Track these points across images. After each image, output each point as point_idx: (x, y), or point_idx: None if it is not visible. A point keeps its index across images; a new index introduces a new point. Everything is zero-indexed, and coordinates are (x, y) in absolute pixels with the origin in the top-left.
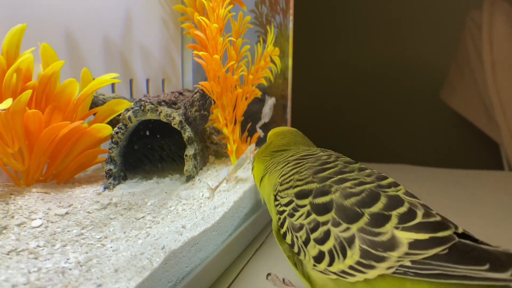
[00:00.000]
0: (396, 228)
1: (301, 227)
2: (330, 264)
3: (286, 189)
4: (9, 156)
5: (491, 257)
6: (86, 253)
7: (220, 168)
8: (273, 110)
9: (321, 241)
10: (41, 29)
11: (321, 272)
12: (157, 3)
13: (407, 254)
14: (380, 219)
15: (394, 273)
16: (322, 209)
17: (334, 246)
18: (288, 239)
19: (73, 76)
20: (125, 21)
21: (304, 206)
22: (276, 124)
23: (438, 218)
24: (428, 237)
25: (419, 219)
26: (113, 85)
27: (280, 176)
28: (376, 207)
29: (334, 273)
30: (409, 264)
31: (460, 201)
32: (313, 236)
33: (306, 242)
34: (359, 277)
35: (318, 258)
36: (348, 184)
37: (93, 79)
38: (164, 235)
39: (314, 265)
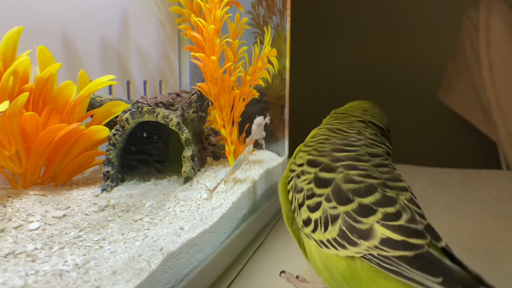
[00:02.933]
0: (378, 222)
1: (301, 190)
2: (313, 231)
3: (305, 151)
4: (6, 159)
5: (447, 273)
6: (84, 255)
7: (218, 169)
8: (263, 127)
9: (312, 209)
10: (37, 32)
11: (306, 235)
12: (154, 4)
13: (376, 247)
14: (366, 211)
15: (361, 256)
16: (322, 183)
17: (320, 218)
18: (290, 196)
19: (70, 78)
20: (122, 23)
21: (309, 173)
22: (274, 126)
23: (419, 227)
24: (400, 239)
25: (401, 222)
26: (110, 87)
27: (309, 138)
28: (367, 200)
29: (315, 239)
30: (375, 254)
31: (457, 200)
32: (307, 202)
33: (301, 205)
34: (333, 251)
35: (306, 222)
36: (354, 172)
37: (90, 81)
38: (162, 236)
39: (302, 227)
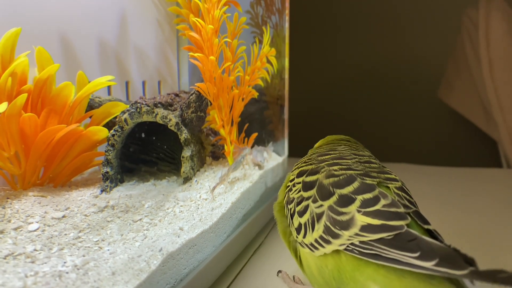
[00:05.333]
0: (359, 211)
1: (292, 200)
2: (304, 236)
3: (296, 168)
4: (5, 160)
5: (425, 248)
6: (83, 256)
7: (217, 169)
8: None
9: (301, 214)
10: (36, 33)
11: (300, 244)
12: (152, 5)
13: (357, 234)
14: (347, 201)
15: (344, 249)
16: (309, 186)
17: (308, 220)
18: (285, 211)
19: (69, 79)
20: (120, 23)
21: (299, 183)
22: (273, 125)
23: (400, 210)
24: (380, 223)
25: (378, 206)
26: (109, 87)
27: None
28: (347, 190)
29: (307, 245)
30: (357, 243)
31: (458, 199)
32: (297, 209)
33: (292, 215)
34: (321, 251)
35: (298, 230)
36: (335, 167)
37: (89, 82)
38: (161, 237)
39: (297, 237)
